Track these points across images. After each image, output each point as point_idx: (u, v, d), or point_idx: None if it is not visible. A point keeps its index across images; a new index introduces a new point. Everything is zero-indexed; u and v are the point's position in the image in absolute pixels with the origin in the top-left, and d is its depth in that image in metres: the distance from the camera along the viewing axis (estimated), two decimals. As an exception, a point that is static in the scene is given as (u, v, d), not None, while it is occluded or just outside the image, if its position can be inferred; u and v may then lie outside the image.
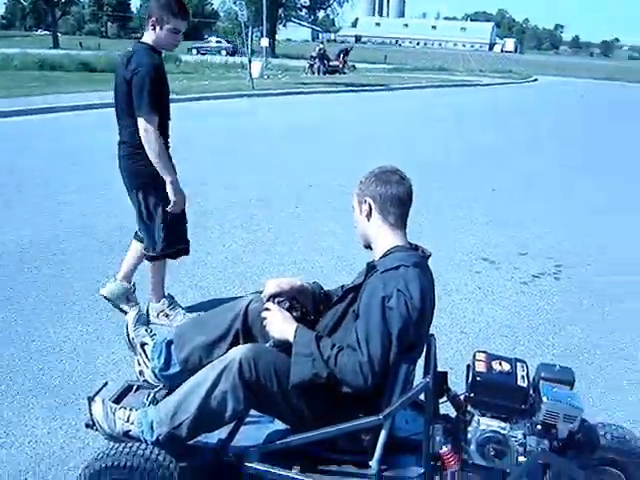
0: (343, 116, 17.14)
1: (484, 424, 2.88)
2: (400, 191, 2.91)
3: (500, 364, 2.94)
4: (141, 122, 4.25)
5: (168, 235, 4.58)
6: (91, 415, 2.93)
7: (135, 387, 3.37)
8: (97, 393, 3.06)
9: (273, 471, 2.87)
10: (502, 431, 2.86)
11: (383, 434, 2.84)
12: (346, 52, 37.93)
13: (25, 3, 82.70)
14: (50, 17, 70.14)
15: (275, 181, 9.27)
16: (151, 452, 2.69)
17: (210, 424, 2.86)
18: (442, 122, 16.74)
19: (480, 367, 2.92)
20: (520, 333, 5.14)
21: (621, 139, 15.80)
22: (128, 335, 3.34)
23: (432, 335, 3.12)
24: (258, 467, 2.88)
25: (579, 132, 16.52)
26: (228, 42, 55.52)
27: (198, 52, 55.98)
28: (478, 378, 2.87)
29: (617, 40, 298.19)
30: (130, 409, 2.94)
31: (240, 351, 2.80)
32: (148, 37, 4.37)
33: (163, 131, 4.43)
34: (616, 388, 4.47)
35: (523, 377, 2.91)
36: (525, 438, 2.87)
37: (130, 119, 4.33)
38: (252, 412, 3.06)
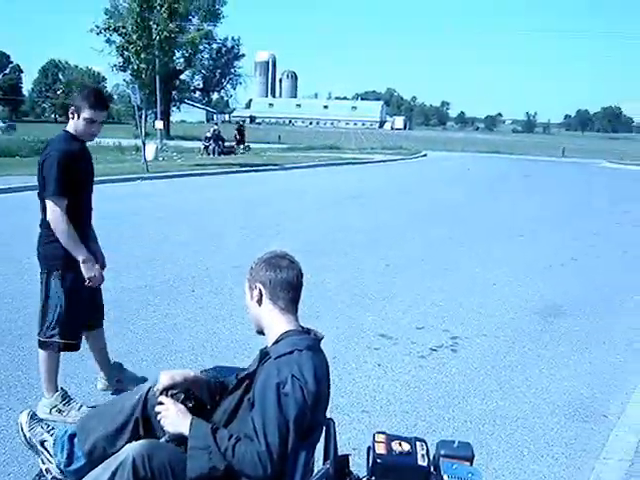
0: (235, 197, 17.20)
1: (387, 507, 2.86)
2: (290, 275, 2.94)
3: (400, 444, 2.95)
4: (49, 204, 4.36)
5: (61, 324, 4.51)
6: None
7: None
8: None
9: None
10: (406, 513, 2.85)
11: (289, 525, 2.78)
12: (239, 129, 38.59)
13: None
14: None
15: (168, 266, 9.14)
16: None
17: None
18: (335, 203, 17.01)
19: (380, 449, 2.92)
20: (420, 408, 5.16)
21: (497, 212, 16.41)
22: (25, 436, 3.22)
23: (330, 419, 3.09)
24: None
25: (462, 208, 17.07)
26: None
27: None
28: (379, 460, 2.87)
29: (500, 115, 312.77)
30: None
31: (133, 447, 2.72)
32: (69, 125, 4.54)
33: (80, 215, 4.52)
34: (518, 457, 4.53)
35: (423, 456, 2.93)
36: (429, 518, 2.86)
37: (43, 202, 4.44)
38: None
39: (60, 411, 4.67)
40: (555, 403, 5.40)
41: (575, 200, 20.11)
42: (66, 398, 4.72)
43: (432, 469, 2.92)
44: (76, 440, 3.12)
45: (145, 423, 3.10)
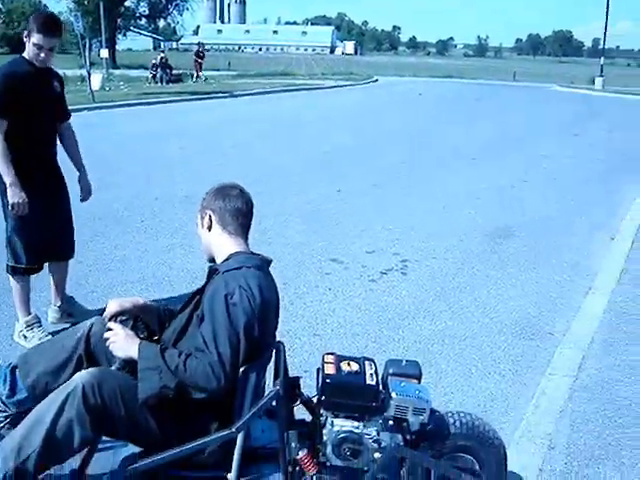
0: (186, 125, 16.93)
1: (338, 425, 2.90)
2: (239, 203, 2.98)
3: (349, 364, 2.97)
4: None
5: (11, 247, 4.58)
6: None
7: None
8: None
9: None
10: (356, 430, 2.89)
11: (238, 446, 2.80)
12: (198, 53, 37.33)
13: None
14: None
15: (116, 196, 8.99)
16: None
17: (59, 455, 2.72)
18: (285, 126, 16.85)
19: (329, 369, 2.94)
20: (371, 330, 5.24)
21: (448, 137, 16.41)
22: None
23: (280, 342, 3.11)
24: None
25: (414, 133, 17.04)
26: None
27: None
28: (327, 380, 2.89)
29: (452, 39, 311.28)
30: None
31: (83, 376, 2.69)
32: (25, 49, 4.45)
33: (27, 139, 4.43)
34: (466, 376, 4.64)
35: (372, 375, 2.96)
36: (379, 435, 2.91)
37: None
38: (105, 437, 2.96)
39: (25, 337, 4.71)
40: (503, 322, 5.52)
41: (526, 123, 20.19)
42: (32, 325, 4.74)
43: (381, 387, 2.97)
44: (18, 373, 3.08)
45: (89, 360, 3.08)
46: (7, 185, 4.33)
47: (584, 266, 6.97)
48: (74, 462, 2.86)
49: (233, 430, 2.71)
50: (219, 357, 2.64)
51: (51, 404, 2.66)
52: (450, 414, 3.11)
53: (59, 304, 5.03)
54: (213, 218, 2.97)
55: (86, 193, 4.96)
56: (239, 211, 2.96)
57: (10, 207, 4.38)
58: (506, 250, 7.37)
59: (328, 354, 3.06)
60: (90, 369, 2.78)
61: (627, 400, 4.33)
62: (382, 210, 8.87)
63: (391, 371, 3.03)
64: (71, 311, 5.05)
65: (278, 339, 3.13)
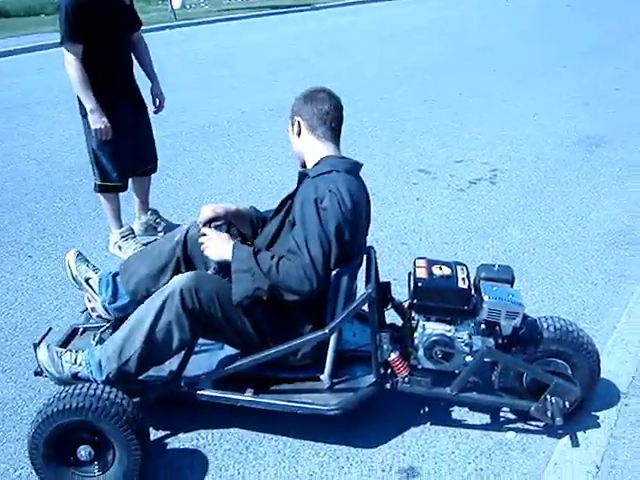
0: (268, 40, 16.72)
1: (429, 328, 2.93)
2: (326, 106, 2.94)
3: (440, 268, 2.98)
4: (64, 52, 4.29)
5: (97, 167, 4.64)
6: (38, 362, 2.90)
7: (81, 330, 3.36)
8: (42, 339, 3.03)
9: (226, 396, 2.90)
10: (447, 333, 2.92)
11: (331, 348, 2.88)
12: None
13: None
14: None
15: (202, 111, 9.05)
16: (102, 391, 2.64)
17: (158, 356, 2.85)
18: (369, 38, 16.44)
19: (421, 273, 2.95)
20: (460, 239, 5.21)
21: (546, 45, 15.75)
22: (71, 273, 3.30)
23: (371, 247, 3.13)
24: (211, 394, 2.90)
25: (505, 43, 16.39)
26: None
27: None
28: (419, 284, 2.91)
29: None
30: (77, 351, 2.92)
31: (181, 280, 2.78)
32: None
33: (104, 63, 4.40)
34: (557, 283, 4.58)
35: (464, 279, 2.96)
36: (470, 338, 2.93)
37: None
38: (202, 341, 3.07)
39: (120, 247, 4.87)
40: (595, 231, 5.39)
41: (624, 28, 19.11)
42: (126, 236, 4.87)
43: (473, 291, 2.96)
44: (119, 279, 3.21)
45: (187, 264, 3.18)
46: (88, 111, 4.36)
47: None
48: (172, 364, 2.99)
49: (326, 331, 2.77)
50: (311, 260, 2.67)
51: (150, 307, 2.76)
52: (544, 319, 3.10)
53: (144, 218, 5.15)
54: (302, 123, 2.96)
55: (160, 104, 4.96)
56: (327, 114, 2.93)
57: (94, 132, 4.43)
58: (599, 159, 7.11)
59: (419, 258, 3.07)
60: (187, 273, 2.86)
61: None
62: (469, 120, 8.65)
63: (483, 275, 3.03)
64: (156, 225, 5.15)
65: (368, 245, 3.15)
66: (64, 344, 3.21)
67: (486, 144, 7.59)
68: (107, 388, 2.67)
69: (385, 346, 2.90)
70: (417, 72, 11.84)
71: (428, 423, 3.25)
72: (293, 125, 3.01)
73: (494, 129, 8.19)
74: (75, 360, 2.85)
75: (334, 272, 2.78)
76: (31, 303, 4.33)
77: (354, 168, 2.94)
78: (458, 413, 3.33)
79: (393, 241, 5.11)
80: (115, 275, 3.23)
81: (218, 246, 2.88)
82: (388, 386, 2.96)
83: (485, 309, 2.87)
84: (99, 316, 3.27)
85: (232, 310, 2.79)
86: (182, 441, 3.11)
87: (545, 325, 3.05)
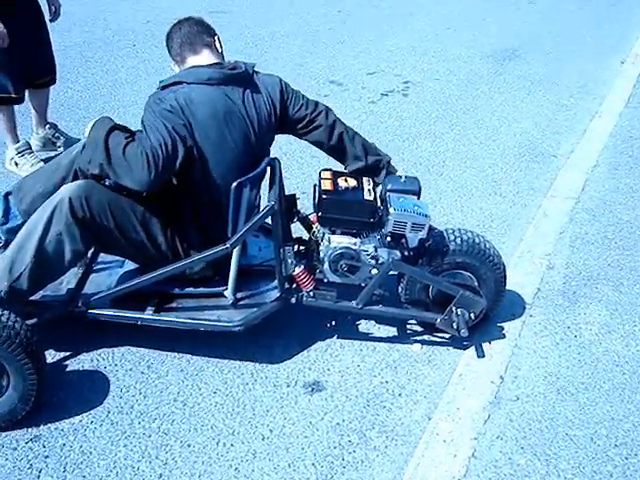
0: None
1: (335, 242, 2.87)
2: (187, 28, 2.89)
3: (346, 180, 2.91)
4: None
5: None
6: None
7: None
8: None
9: (126, 315, 2.79)
10: (353, 247, 2.86)
11: (234, 262, 2.79)
12: None
13: None
14: None
15: (106, 21, 8.58)
16: None
17: (51, 270, 2.70)
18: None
19: (326, 185, 2.87)
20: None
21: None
22: None
23: (275, 159, 3.01)
24: (110, 313, 2.79)
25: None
26: None
27: None
28: (324, 196, 2.83)
29: None
30: None
31: (69, 188, 2.63)
32: None
33: None
34: (466, 197, 4.57)
35: (369, 190, 2.89)
36: (376, 251, 2.88)
37: None
38: (101, 259, 2.97)
39: (16, 164, 4.59)
40: (505, 144, 5.41)
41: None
42: (22, 151, 4.60)
43: (379, 203, 2.90)
44: (12, 199, 3.02)
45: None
46: None
47: (591, 90, 6.73)
48: (69, 283, 2.87)
49: (227, 246, 2.67)
50: (151, 146, 2.55)
51: (39, 219, 2.61)
52: (450, 231, 3.07)
53: (41, 133, 4.86)
54: (179, 65, 2.89)
55: (56, 11, 4.67)
56: (185, 36, 2.85)
57: None
58: (511, 72, 7.08)
59: (325, 170, 2.99)
60: (77, 181, 2.71)
61: (629, 223, 4.30)
62: (383, 31, 8.46)
63: (389, 187, 2.96)
64: (54, 140, 4.88)
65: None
66: None
67: (399, 56, 7.42)
68: None
69: (289, 260, 2.81)
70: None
71: (334, 337, 3.23)
72: (177, 67, 2.93)
73: (409, 41, 8.02)
74: None
75: (234, 184, 2.66)
76: None
77: (217, 76, 2.76)
78: (365, 327, 3.32)
79: (302, 154, 4.98)
80: (7, 195, 3.04)
81: (93, 121, 2.78)
82: (293, 301, 2.90)
83: (391, 221, 2.82)
84: None
85: (125, 220, 2.67)
86: (82, 362, 2.99)
87: (452, 237, 3.02)
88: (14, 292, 2.63)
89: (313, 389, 2.93)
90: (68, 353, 3.03)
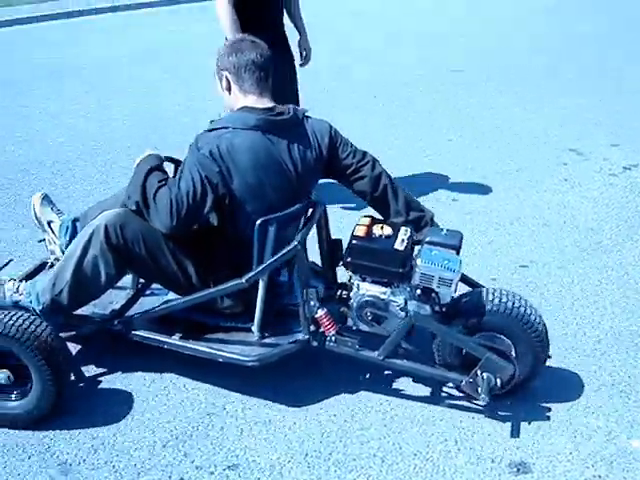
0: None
1: (363, 289, 2.86)
2: (252, 55, 2.91)
3: (382, 228, 2.90)
4: None
5: None
6: None
7: (49, 264, 3.47)
8: (0, 269, 3.36)
9: (155, 337, 3.02)
10: (382, 296, 2.84)
11: (260, 298, 2.91)
12: None
13: None
14: None
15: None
16: (24, 320, 2.78)
17: (88, 290, 3.00)
18: None
19: (359, 231, 2.89)
20: (607, 226, 4.79)
21: None
22: (35, 215, 3.50)
23: (317, 202, 3.10)
24: (141, 334, 3.04)
25: None
26: None
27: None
28: (354, 242, 2.86)
29: None
30: (20, 280, 3.17)
31: (107, 216, 2.92)
32: None
33: (252, 9, 4.36)
34: None
35: (403, 240, 2.84)
36: (406, 304, 2.82)
37: None
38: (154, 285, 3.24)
39: None
40: None
41: None
42: None
43: (411, 253, 2.84)
44: (78, 224, 3.35)
45: None
46: None
47: None
48: (117, 303, 3.21)
49: (243, 281, 2.81)
50: (178, 194, 2.76)
51: (79, 242, 2.94)
52: (492, 290, 2.89)
53: None
54: (229, 77, 2.93)
55: (306, 57, 4.91)
56: (254, 64, 2.89)
57: None
58: None
59: (365, 216, 2.99)
60: (115, 210, 2.99)
61: None
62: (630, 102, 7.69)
63: (428, 239, 2.87)
64: None
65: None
66: (29, 277, 3.36)
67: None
68: (31, 318, 2.81)
69: (312, 302, 2.84)
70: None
71: (547, 419, 3.00)
72: (221, 81, 2.98)
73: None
74: (17, 289, 3.10)
75: (258, 221, 2.81)
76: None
77: (263, 123, 2.85)
78: (581, 412, 3.03)
79: (535, 221, 4.89)
80: (75, 220, 3.39)
81: (142, 156, 3.05)
82: (315, 344, 2.92)
83: (417, 273, 2.74)
84: (57, 259, 3.36)
85: (157, 250, 2.90)
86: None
87: (491, 297, 2.83)
88: (55, 305, 2.99)
89: (519, 470, 2.73)
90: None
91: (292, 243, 2.82)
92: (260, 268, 2.83)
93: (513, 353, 2.81)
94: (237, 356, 2.92)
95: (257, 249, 2.86)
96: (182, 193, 2.76)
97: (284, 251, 2.82)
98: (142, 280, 3.27)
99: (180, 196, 2.76)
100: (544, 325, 2.85)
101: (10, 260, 3.60)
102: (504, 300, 2.81)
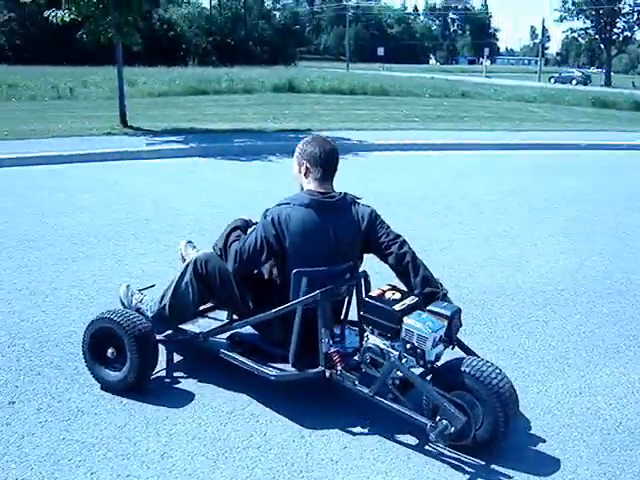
0: None
1: (371, 338, 3.55)
2: (322, 149, 3.78)
3: (393, 293, 3.57)
4: None
5: None
6: (119, 294, 4.36)
7: None
8: (141, 291, 4.43)
9: (222, 350, 3.91)
10: (381, 345, 3.48)
11: (295, 332, 3.67)
12: None
13: (583, 41, 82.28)
14: (605, 55, 71.24)
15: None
16: (130, 315, 3.81)
17: (182, 309, 3.99)
18: None
19: (374, 292, 3.61)
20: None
21: None
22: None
23: (363, 272, 3.91)
24: (211, 344, 3.98)
25: None
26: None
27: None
28: (366, 299, 3.58)
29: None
30: (145, 295, 4.31)
31: (199, 255, 3.98)
32: None
33: None
34: None
35: (404, 304, 3.48)
36: (399, 356, 3.44)
37: None
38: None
39: None
40: None
41: None
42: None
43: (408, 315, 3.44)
44: None
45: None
46: None
47: None
48: (215, 324, 4.15)
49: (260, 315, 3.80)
50: (241, 247, 3.73)
51: (181, 270, 4.00)
52: (473, 358, 3.45)
53: None
54: (309, 166, 3.78)
55: None
56: (320, 156, 3.75)
57: None
58: None
59: (387, 284, 3.67)
60: (204, 250, 4.11)
61: None
62: None
63: (428, 308, 3.50)
64: None
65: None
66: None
67: None
68: (140, 319, 3.83)
69: (326, 339, 3.55)
70: None
71: None
72: (300, 166, 3.81)
73: None
74: (141, 300, 4.24)
75: (294, 271, 3.65)
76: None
77: (314, 203, 3.66)
78: None
79: None
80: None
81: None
82: (327, 374, 3.60)
83: (403, 329, 3.36)
84: None
85: (228, 284, 3.86)
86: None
87: (469, 362, 3.37)
88: (160, 315, 4.03)
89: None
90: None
91: (315, 292, 3.58)
92: (286, 305, 3.67)
93: (477, 410, 3.33)
94: (260, 368, 3.73)
95: (292, 292, 3.70)
96: (245, 247, 3.73)
97: (307, 296, 3.60)
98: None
99: (244, 249, 3.73)
100: (513, 394, 3.37)
101: (152, 285, 4.71)
102: (479, 366, 3.35)
